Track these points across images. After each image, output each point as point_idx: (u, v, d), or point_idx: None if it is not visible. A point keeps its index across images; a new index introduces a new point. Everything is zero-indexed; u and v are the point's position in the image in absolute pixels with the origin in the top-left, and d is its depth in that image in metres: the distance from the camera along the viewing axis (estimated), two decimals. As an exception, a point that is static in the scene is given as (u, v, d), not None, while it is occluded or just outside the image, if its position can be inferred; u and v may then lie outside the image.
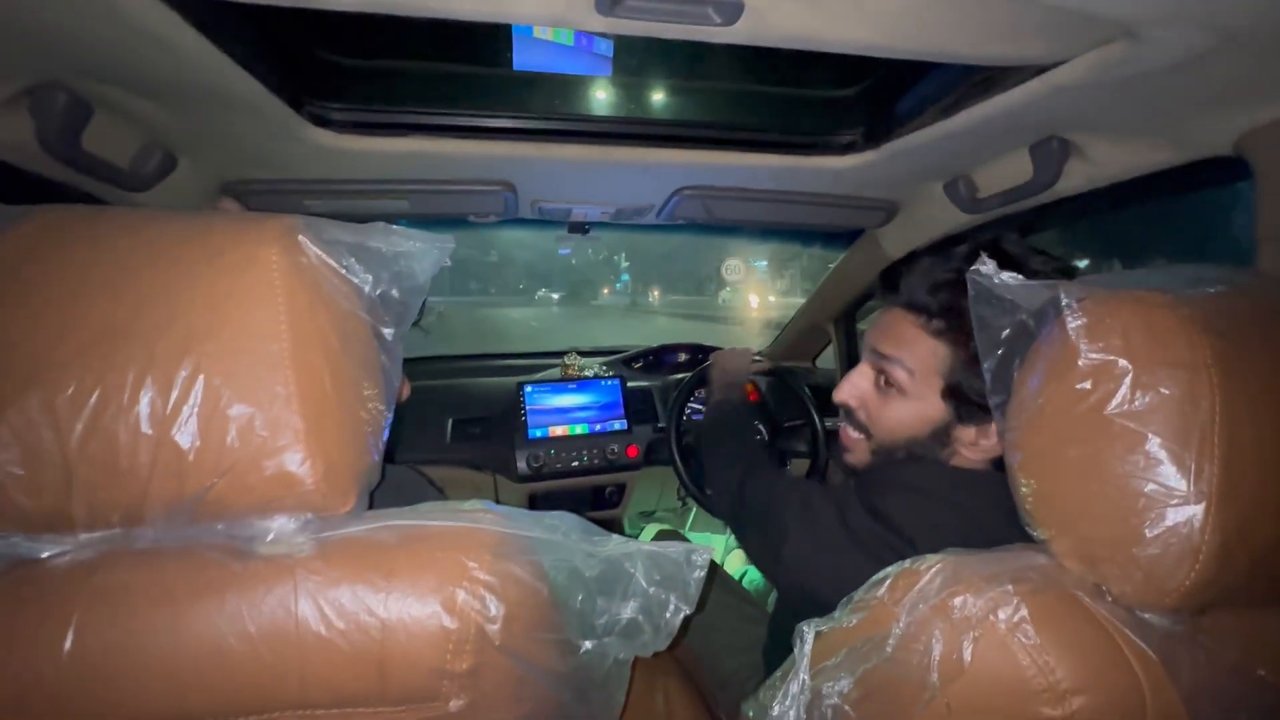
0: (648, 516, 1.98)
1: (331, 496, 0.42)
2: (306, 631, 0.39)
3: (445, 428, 1.52)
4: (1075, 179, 0.88)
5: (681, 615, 0.53)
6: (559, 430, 1.52)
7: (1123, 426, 0.45)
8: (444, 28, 0.90)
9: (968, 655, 0.45)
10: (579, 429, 1.54)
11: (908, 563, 0.53)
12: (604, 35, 0.63)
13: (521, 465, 1.46)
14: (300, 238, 0.44)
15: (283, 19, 0.74)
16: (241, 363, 0.39)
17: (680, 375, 1.70)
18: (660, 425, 1.58)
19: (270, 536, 0.41)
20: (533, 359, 1.86)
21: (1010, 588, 0.45)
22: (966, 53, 0.63)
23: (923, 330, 0.69)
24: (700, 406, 1.70)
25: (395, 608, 0.40)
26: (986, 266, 0.53)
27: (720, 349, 1.55)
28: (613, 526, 1.66)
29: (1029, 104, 0.72)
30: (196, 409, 0.38)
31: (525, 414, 1.51)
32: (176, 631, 0.38)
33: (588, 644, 0.49)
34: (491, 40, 0.92)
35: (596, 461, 1.52)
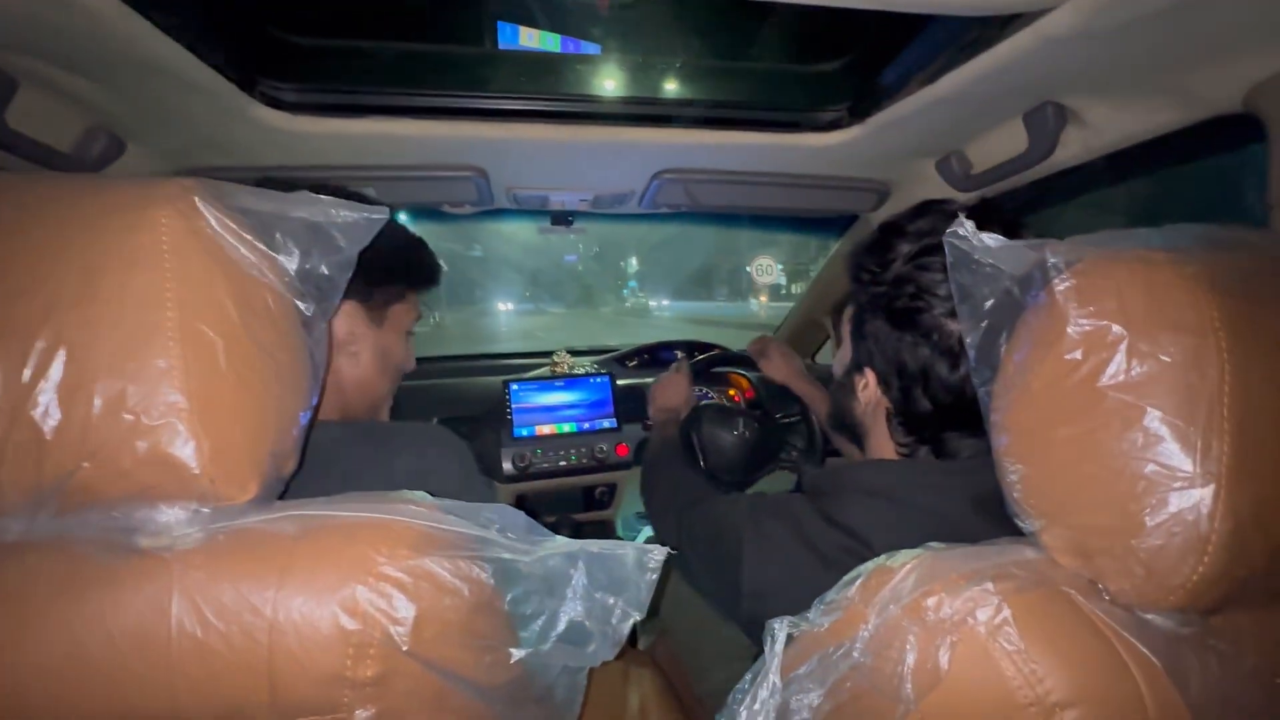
0: (644, 518, 1.93)
1: (224, 484, 0.38)
2: (182, 634, 0.34)
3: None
4: (1073, 148, 0.82)
5: (630, 621, 0.48)
6: (546, 429, 1.48)
7: (1118, 400, 0.40)
8: (405, 4, 0.87)
9: (944, 663, 0.40)
10: (567, 427, 1.49)
11: (882, 558, 0.47)
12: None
13: (507, 465, 1.42)
14: (197, 200, 0.40)
15: (225, -8, 0.71)
16: (114, 332, 0.35)
17: None
18: (650, 423, 1.53)
19: (150, 528, 0.37)
20: (524, 359, 1.82)
21: (990, 586, 0.40)
22: (946, 1, 0.58)
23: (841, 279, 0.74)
24: (695, 395, 1.65)
25: (286, 607, 0.35)
26: (964, 227, 0.48)
27: (719, 348, 1.50)
28: (605, 528, 1.61)
29: (1019, 61, 0.66)
30: (57, 383, 0.34)
31: (511, 412, 1.46)
32: (29, 636, 0.33)
33: (520, 652, 0.44)
34: (457, 17, 0.88)
35: (585, 461, 1.47)
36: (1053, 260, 0.44)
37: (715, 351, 1.51)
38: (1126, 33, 0.59)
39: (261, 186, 0.47)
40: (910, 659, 0.41)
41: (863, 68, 0.89)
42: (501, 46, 0.87)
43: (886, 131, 0.92)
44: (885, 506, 0.62)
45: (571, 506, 1.53)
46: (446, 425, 1.44)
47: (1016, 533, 0.51)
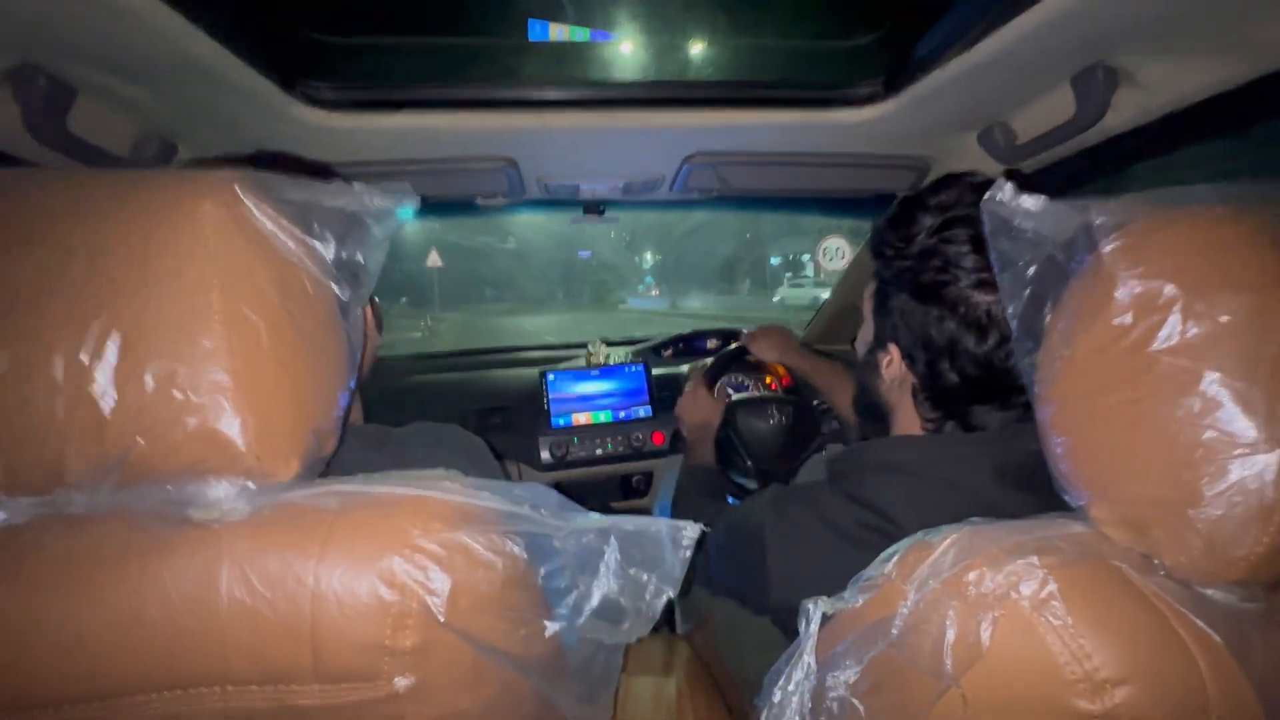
0: None
1: (268, 460, 0.39)
2: (231, 601, 0.36)
3: (468, 418, 1.50)
4: (1126, 111, 0.77)
5: (664, 598, 0.48)
6: (582, 418, 1.49)
7: (1171, 365, 0.38)
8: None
9: (985, 638, 0.38)
10: (603, 416, 1.50)
11: (920, 535, 0.46)
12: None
13: (545, 454, 1.44)
14: (239, 189, 0.42)
15: (264, -4, 0.74)
16: (163, 316, 0.37)
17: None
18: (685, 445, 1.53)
19: (201, 501, 0.39)
20: (558, 350, 1.84)
21: (1035, 559, 0.39)
22: None
23: (869, 257, 0.71)
24: (731, 391, 1.64)
25: (327, 577, 0.37)
26: (1004, 191, 0.46)
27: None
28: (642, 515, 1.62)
29: (1065, 20, 0.63)
30: (114, 365, 0.36)
31: (548, 402, 1.48)
32: (94, 600, 0.35)
33: (554, 626, 0.44)
34: (486, 10, 0.89)
35: (622, 449, 1.48)
36: (1100, 221, 0.42)
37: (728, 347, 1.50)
38: None
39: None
40: (950, 635, 0.40)
41: (896, 37, 0.86)
42: (531, 39, 0.88)
43: (924, 104, 0.89)
44: (907, 481, 0.61)
45: (609, 495, 1.54)
46: (484, 415, 1.49)
47: (1045, 503, 0.49)
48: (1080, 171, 0.96)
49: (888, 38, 0.89)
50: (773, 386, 1.60)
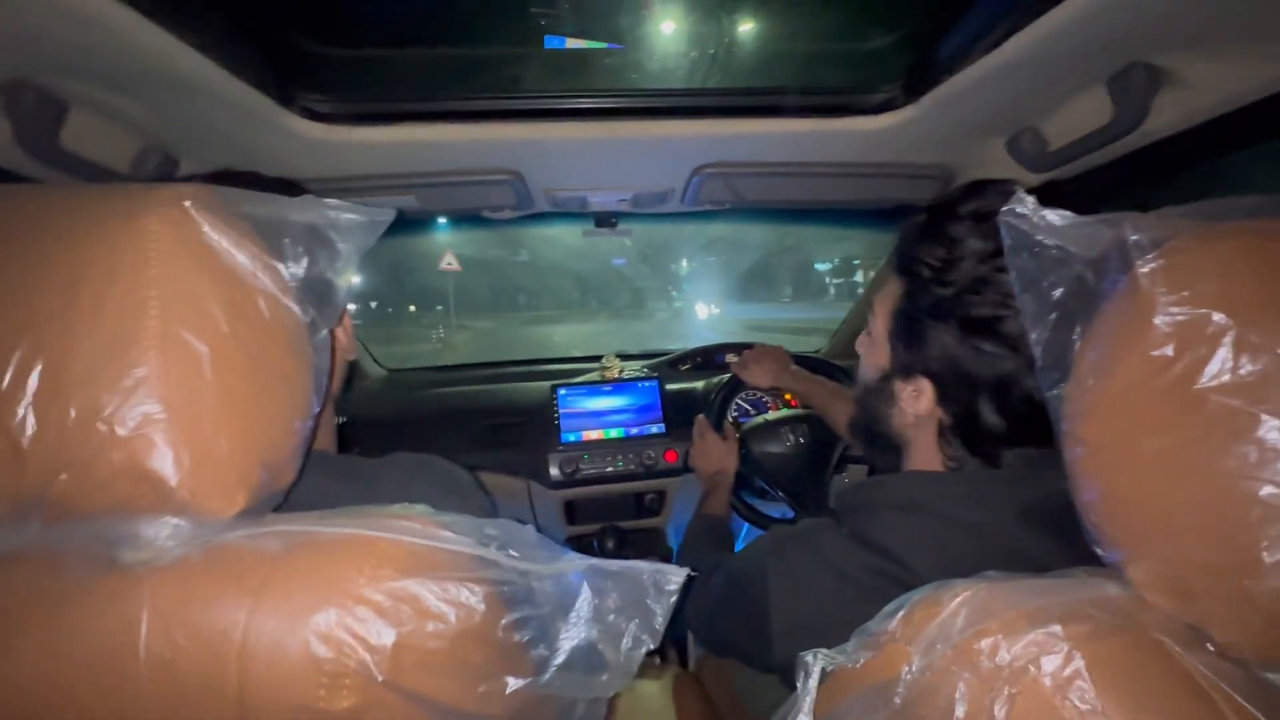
0: None
1: (205, 497, 0.36)
2: (151, 656, 0.33)
3: (480, 433, 1.48)
4: (1169, 114, 0.71)
5: (643, 649, 0.43)
6: (593, 434, 1.45)
7: (1222, 405, 0.32)
8: (432, 6, 0.87)
9: (1001, 718, 0.33)
10: (614, 433, 1.46)
11: (929, 589, 0.41)
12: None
13: (554, 471, 1.40)
14: (189, 205, 0.39)
15: (255, 8, 0.73)
16: (91, 341, 0.35)
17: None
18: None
19: (134, 542, 0.36)
20: (572, 363, 1.81)
21: (1058, 628, 0.33)
22: None
23: (892, 271, 0.64)
24: (748, 407, 1.59)
25: (257, 631, 0.33)
26: (1025, 204, 0.41)
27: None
28: (655, 536, 1.57)
29: (1101, 16, 0.58)
30: (33, 394, 0.33)
31: (558, 417, 1.45)
32: (4, 650, 0.33)
33: (518, 682, 0.40)
34: (486, 19, 0.88)
35: (633, 467, 1.43)
36: (1134, 238, 0.37)
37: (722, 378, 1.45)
38: None
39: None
40: (960, 710, 0.35)
41: (916, 39, 0.82)
42: (534, 49, 0.86)
43: (947, 109, 0.83)
44: (923, 522, 0.55)
45: (621, 514, 1.50)
46: (495, 431, 1.47)
47: (1073, 549, 0.44)
48: (1118, 180, 0.89)
49: (907, 39, 0.84)
50: (793, 403, 1.55)
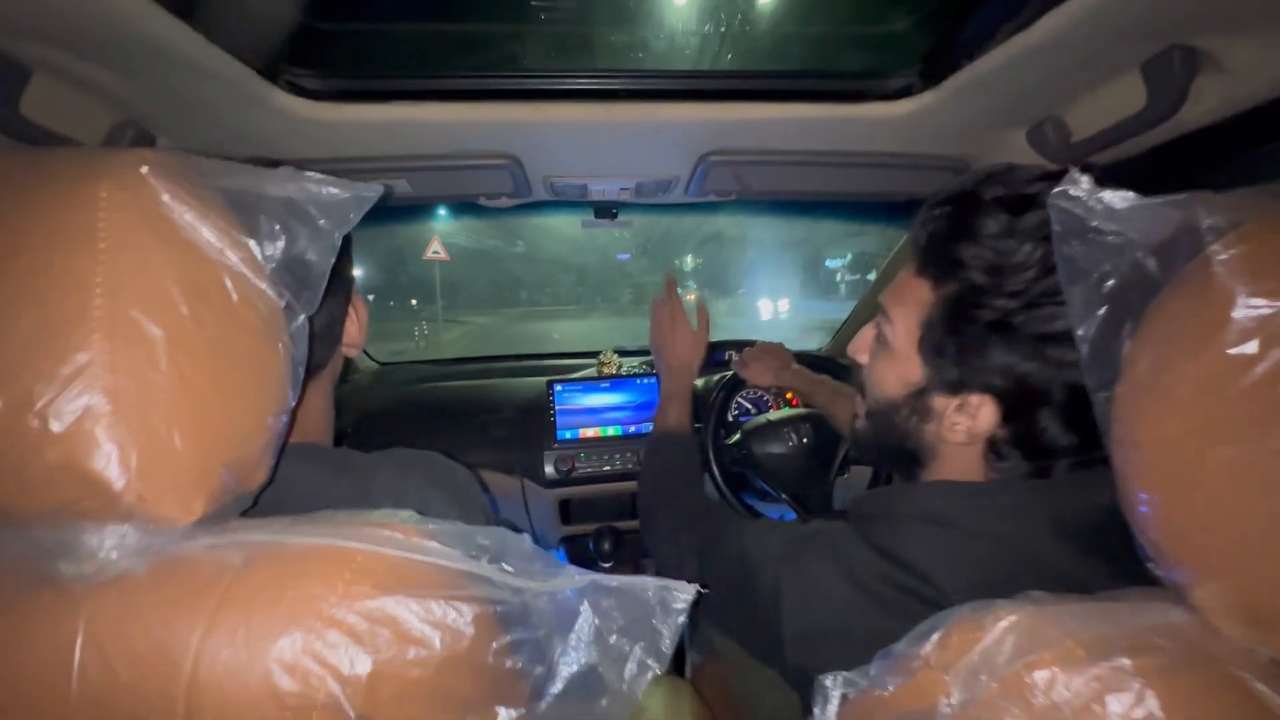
0: None
1: (156, 502, 0.32)
2: (84, 686, 0.28)
3: (475, 429, 1.44)
4: (1208, 101, 0.67)
5: (649, 676, 0.39)
6: (590, 432, 1.41)
7: None
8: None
9: (1060, 764, 0.29)
10: (612, 431, 1.42)
11: (967, 609, 0.37)
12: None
13: (549, 469, 1.36)
14: (148, 172, 0.35)
15: (238, -28, 0.68)
16: (23, 322, 0.30)
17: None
18: (698, 425, 1.44)
19: (75, 552, 0.31)
20: (570, 359, 1.77)
21: (1127, 662, 0.29)
22: None
23: (911, 274, 0.57)
24: (749, 405, 1.56)
25: (210, 659, 0.29)
26: (1079, 184, 0.37)
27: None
28: (652, 538, 1.53)
29: None
30: None
31: (554, 414, 1.41)
32: None
33: (510, 713, 0.36)
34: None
35: (631, 465, 1.40)
36: (1209, 221, 0.33)
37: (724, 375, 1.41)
38: None
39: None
40: (1010, 753, 0.31)
41: (936, 22, 0.77)
42: (534, 25, 0.81)
43: (966, 96, 0.79)
44: (950, 536, 0.51)
45: (616, 514, 1.46)
46: (489, 427, 1.42)
47: (1117, 570, 0.40)
48: (1143, 172, 0.85)
49: (925, 22, 0.80)
50: (794, 402, 1.51)
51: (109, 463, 0.30)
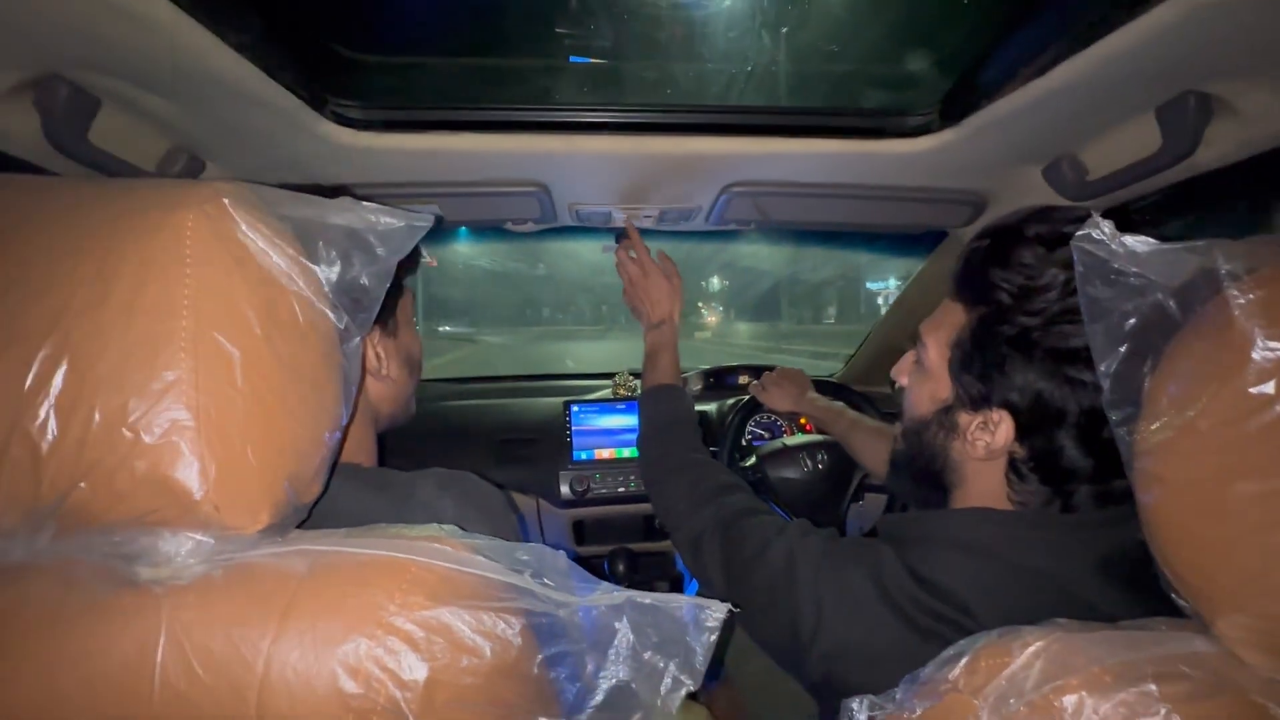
0: None
1: (229, 511, 0.34)
2: (165, 686, 0.30)
3: (491, 449, 1.46)
4: (1222, 145, 0.69)
5: (683, 691, 0.41)
6: (605, 453, 1.43)
7: None
8: (464, 17, 0.86)
9: (1088, 788, 0.30)
10: (627, 452, 1.44)
11: (994, 635, 0.38)
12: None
13: (565, 489, 1.38)
14: (228, 203, 0.38)
15: (293, 10, 0.72)
16: (121, 341, 0.32)
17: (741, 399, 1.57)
18: (713, 449, 1.45)
19: (153, 557, 0.33)
20: (586, 379, 1.79)
21: (1154, 689, 0.31)
22: None
23: (948, 299, 0.61)
24: (762, 431, 1.57)
25: (280, 661, 0.31)
26: (1102, 229, 0.39)
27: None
28: (665, 560, 1.54)
29: (1156, 42, 0.56)
30: (57, 395, 0.31)
31: (571, 435, 1.43)
32: (10, 673, 0.30)
33: (551, 721, 0.38)
34: (517, 31, 0.87)
35: (644, 488, 1.40)
36: (1226, 267, 0.35)
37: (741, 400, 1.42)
38: None
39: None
40: (1039, 775, 0.32)
41: (955, 63, 0.80)
42: (564, 61, 0.85)
43: (984, 135, 0.82)
44: (988, 566, 0.52)
45: (630, 535, 1.47)
46: (508, 446, 1.44)
47: (1157, 606, 0.41)
48: (1160, 212, 0.87)
49: (945, 63, 0.83)
50: (808, 428, 1.52)
51: (191, 474, 0.32)
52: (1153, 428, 0.39)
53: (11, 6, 0.53)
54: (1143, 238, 0.38)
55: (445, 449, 1.43)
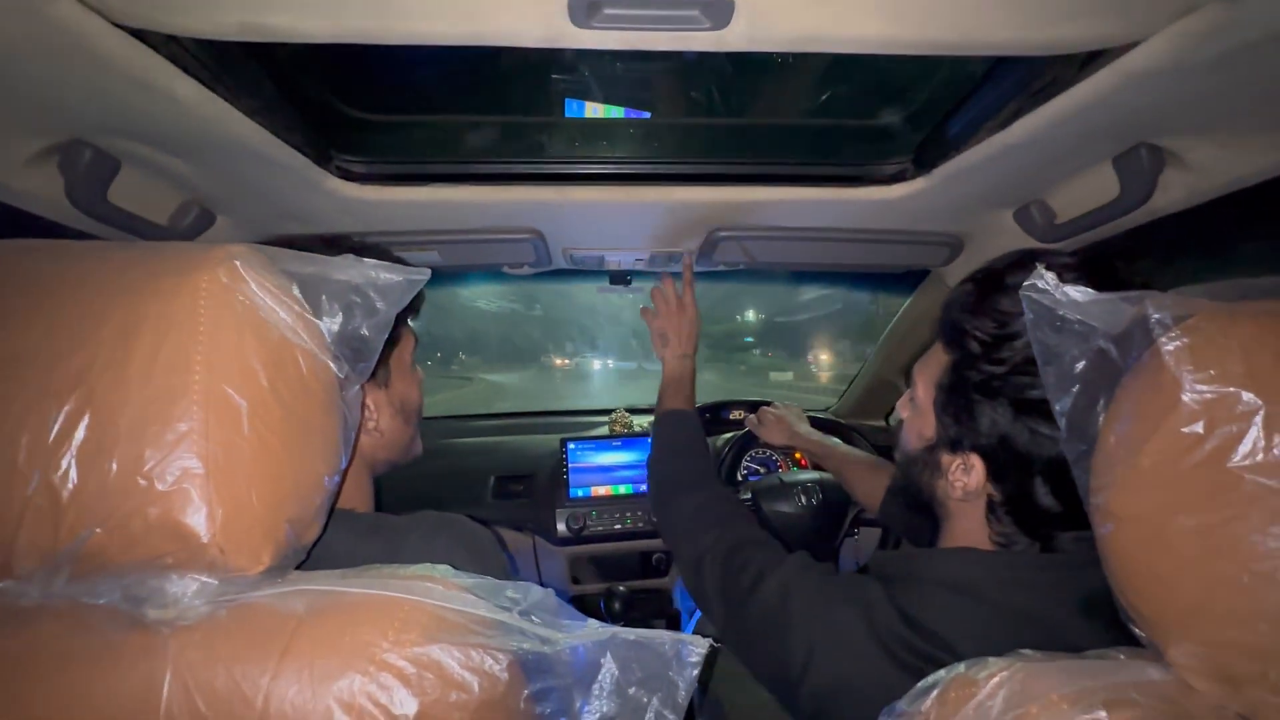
0: None
1: (234, 553, 0.36)
2: None
3: (488, 485, 1.47)
4: (1174, 192, 0.74)
5: None
6: (601, 490, 1.44)
7: (1259, 485, 0.32)
8: (462, 78, 0.92)
9: (1046, 811, 0.32)
10: (623, 489, 1.45)
11: (961, 667, 0.40)
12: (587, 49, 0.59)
13: (561, 527, 1.38)
14: (239, 265, 0.41)
15: (300, 75, 0.77)
16: (139, 396, 0.35)
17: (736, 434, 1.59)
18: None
19: (160, 599, 0.36)
20: (583, 416, 1.81)
21: (1103, 715, 0.32)
22: (1009, 41, 0.54)
23: (937, 344, 0.64)
24: (757, 465, 1.58)
25: (279, 697, 0.33)
26: (1044, 279, 0.42)
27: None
28: (661, 597, 1.53)
29: (1103, 102, 0.61)
30: (78, 446, 0.34)
31: (567, 472, 1.44)
32: (21, 709, 0.32)
33: (537, 755, 0.39)
34: (511, 89, 0.92)
35: (641, 525, 1.41)
36: (1156, 316, 0.38)
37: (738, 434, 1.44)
38: (1232, 62, 0.52)
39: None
40: (1002, 801, 0.33)
41: (926, 117, 0.85)
42: (557, 117, 0.90)
43: (956, 182, 0.86)
44: (974, 608, 0.53)
45: (627, 573, 1.47)
46: (505, 483, 1.45)
47: (1136, 642, 0.42)
48: (1128, 252, 0.91)
49: (916, 117, 0.88)
50: (803, 463, 1.53)
51: (199, 519, 0.35)
52: (1104, 465, 0.41)
53: (44, 80, 0.57)
54: (1082, 287, 0.42)
55: (443, 486, 1.45)
